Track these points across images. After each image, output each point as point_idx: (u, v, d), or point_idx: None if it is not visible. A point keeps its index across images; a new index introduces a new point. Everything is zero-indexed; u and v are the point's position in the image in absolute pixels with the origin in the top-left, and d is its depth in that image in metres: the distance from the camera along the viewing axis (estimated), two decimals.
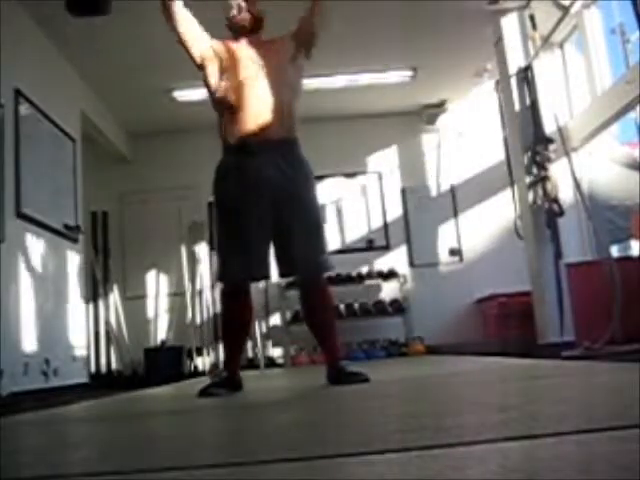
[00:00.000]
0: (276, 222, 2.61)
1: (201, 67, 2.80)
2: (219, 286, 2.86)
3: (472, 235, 7.10)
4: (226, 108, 2.71)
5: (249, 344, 6.53)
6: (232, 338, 2.77)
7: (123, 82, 6.01)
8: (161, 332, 6.99)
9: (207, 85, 2.79)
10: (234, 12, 2.78)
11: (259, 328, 6.35)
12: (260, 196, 2.59)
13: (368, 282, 6.86)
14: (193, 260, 7.06)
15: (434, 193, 7.31)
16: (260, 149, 2.61)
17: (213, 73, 2.76)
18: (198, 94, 6.29)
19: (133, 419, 2.12)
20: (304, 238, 2.61)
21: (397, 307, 6.76)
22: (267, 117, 2.64)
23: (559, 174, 4.76)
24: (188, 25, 2.73)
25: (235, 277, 2.64)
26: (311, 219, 2.68)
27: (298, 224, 2.61)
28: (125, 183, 7.11)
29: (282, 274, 2.72)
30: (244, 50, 2.77)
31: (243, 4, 2.79)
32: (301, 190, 2.66)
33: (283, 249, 2.64)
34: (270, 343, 6.82)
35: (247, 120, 2.64)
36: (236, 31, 2.83)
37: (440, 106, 7.13)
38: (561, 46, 5.64)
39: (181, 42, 2.75)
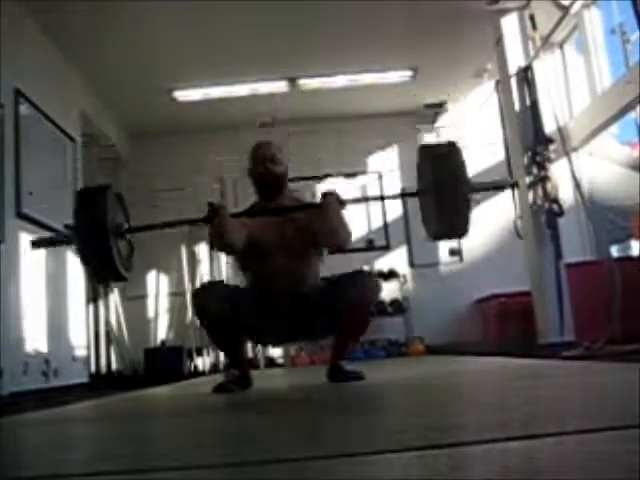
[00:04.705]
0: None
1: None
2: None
3: (472, 235, 7.05)
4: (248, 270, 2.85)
5: (249, 344, 6.52)
6: (225, 344, 2.85)
7: (123, 82, 6.01)
8: (161, 332, 6.99)
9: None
10: (261, 169, 2.79)
11: None
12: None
13: None
14: (193, 260, 7.05)
15: None
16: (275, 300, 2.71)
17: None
18: (198, 94, 6.30)
19: (133, 419, 2.12)
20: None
21: (397, 307, 6.76)
22: (285, 283, 2.70)
23: (559, 174, 4.76)
24: (239, 238, 2.71)
25: None
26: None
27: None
28: (125, 183, 7.10)
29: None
30: (267, 222, 2.77)
31: (274, 166, 2.78)
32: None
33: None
34: None
35: (266, 283, 2.74)
36: (261, 187, 2.85)
37: (440, 106, 7.13)
38: (561, 46, 5.64)
39: (228, 250, 2.85)
